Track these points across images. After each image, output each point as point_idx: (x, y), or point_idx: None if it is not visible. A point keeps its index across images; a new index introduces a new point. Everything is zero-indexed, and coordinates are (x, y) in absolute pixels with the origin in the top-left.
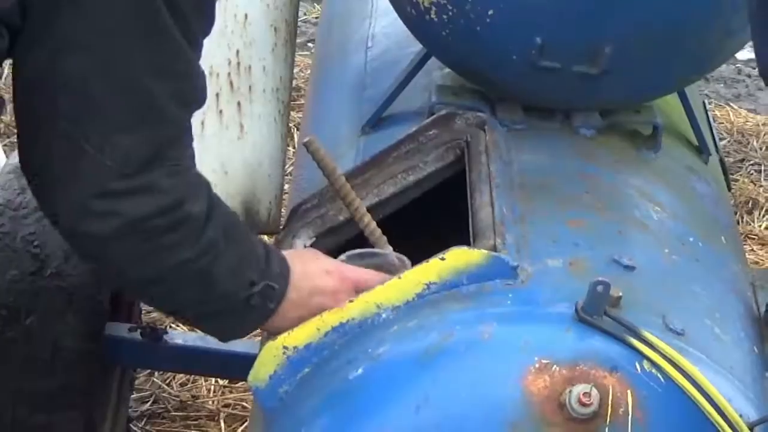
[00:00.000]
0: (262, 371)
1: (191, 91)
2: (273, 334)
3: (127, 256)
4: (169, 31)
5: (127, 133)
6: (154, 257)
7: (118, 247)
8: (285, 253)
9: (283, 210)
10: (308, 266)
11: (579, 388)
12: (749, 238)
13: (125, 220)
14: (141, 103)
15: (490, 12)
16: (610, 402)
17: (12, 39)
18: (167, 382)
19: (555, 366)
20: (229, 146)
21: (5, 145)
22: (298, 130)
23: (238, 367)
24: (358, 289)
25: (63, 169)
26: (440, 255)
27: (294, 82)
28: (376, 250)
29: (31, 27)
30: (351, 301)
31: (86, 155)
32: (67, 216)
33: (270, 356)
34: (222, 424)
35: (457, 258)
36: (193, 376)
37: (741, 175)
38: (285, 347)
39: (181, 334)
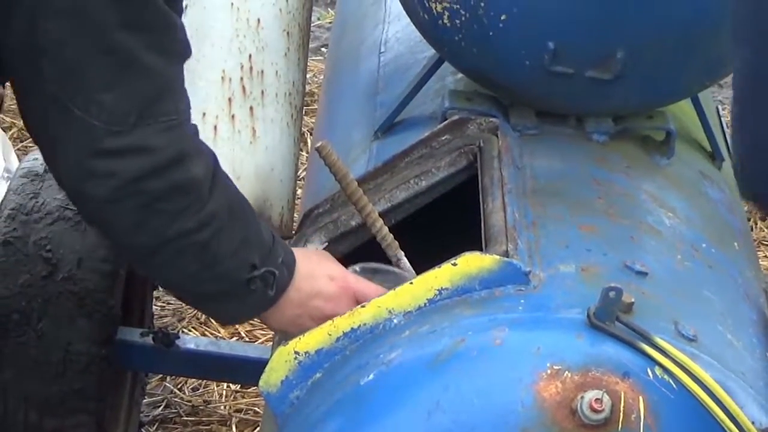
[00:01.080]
0: (273, 376)
1: (170, 43)
2: (272, 329)
3: (126, 221)
4: None
5: (108, 91)
6: (152, 223)
7: (116, 210)
8: (294, 249)
9: (295, 215)
10: (313, 268)
11: (591, 394)
12: (762, 244)
13: (121, 181)
14: (117, 59)
15: (503, 17)
16: (621, 408)
17: None
18: (179, 386)
19: (567, 372)
20: (242, 151)
21: (18, 150)
22: (311, 135)
23: (249, 372)
24: (359, 301)
25: (58, 132)
26: (452, 260)
27: (307, 87)
28: (391, 267)
29: None
30: (363, 306)
31: (75, 117)
32: (67, 178)
33: (281, 361)
34: (234, 429)
35: (469, 263)
36: (205, 381)
37: None
38: (296, 352)
39: (193, 339)
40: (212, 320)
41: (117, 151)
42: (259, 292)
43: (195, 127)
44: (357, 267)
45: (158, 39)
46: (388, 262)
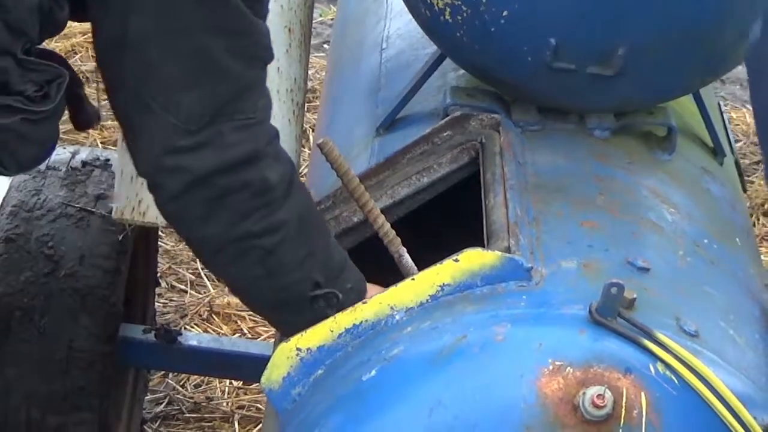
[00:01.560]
0: (275, 373)
1: (251, 46)
2: None
3: (195, 213)
4: None
5: (188, 91)
6: (220, 217)
7: (186, 202)
8: (369, 285)
9: None
10: None
11: (593, 390)
12: (765, 240)
13: (193, 176)
14: (198, 61)
15: (505, 13)
16: (623, 404)
17: (73, 8)
18: (181, 383)
19: (569, 368)
20: None
21: None
22: (313, 131)
23: (252, 368)
24: None
25: (138, 126)
26: (454, 256)
27: (309, 84)
28: None
29: None
30: (364, 303)
31: (154, 114)
32: (144, 170)
33: (283, 358)
34: (236, 426)
35: (471, 259)
36: (207, 377)
37: (757, 177)
38: (298, 349)
39: (195, 336)
40: (214, 317)
41: (190, 148)
42: (319, 312)
43: (275, 129)
44: None
45: (240, 43)
46: (390, 258)
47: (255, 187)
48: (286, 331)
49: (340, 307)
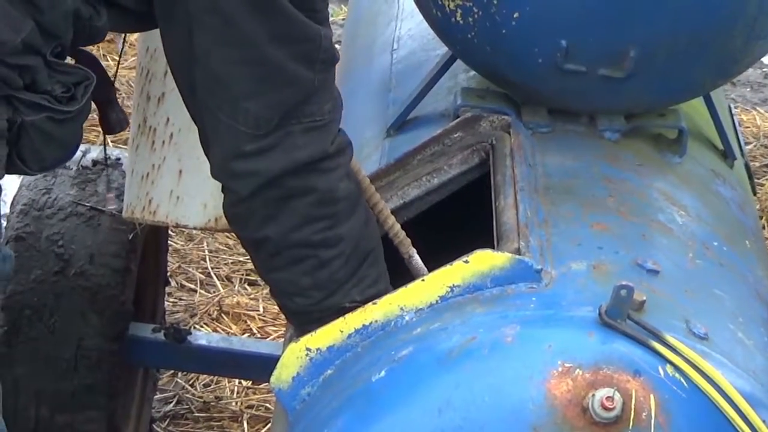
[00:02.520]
0: (285, 373)
1: (315, 51)
2: None
3: (259, 214)
4: (279, 4)
5: (254, 99)
6: (282, 220)
7: (253, 204)
8: None
9: None
10: None
11: (602, 392)
12: None
13: (262, 179)
14: (263, 71)
15: (516, 15)
16: (633, 406)
17: (114, 18)
18: (191, 382)
19: (578, 370)
20: None
21: None
22: None
23: (261, 368)
24: None
25: (209, 133)
26: (464, 258)
27: None
28: None
29: (163, 5)
30: (374, 303)
31: (222, 122)
32: (215, 174)
33: (293, 358)
34: (245, 426)
35: (481, 261)
36: (216, 377)
37: (767, 179)
38: (308, 349)
39: (204, 335)
40: (224, 316)
41: (259, 151)
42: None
43: (347, 139)
44: None
45: (303, 49)
46: (400, 259)
47: (320, 194)
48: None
49: None
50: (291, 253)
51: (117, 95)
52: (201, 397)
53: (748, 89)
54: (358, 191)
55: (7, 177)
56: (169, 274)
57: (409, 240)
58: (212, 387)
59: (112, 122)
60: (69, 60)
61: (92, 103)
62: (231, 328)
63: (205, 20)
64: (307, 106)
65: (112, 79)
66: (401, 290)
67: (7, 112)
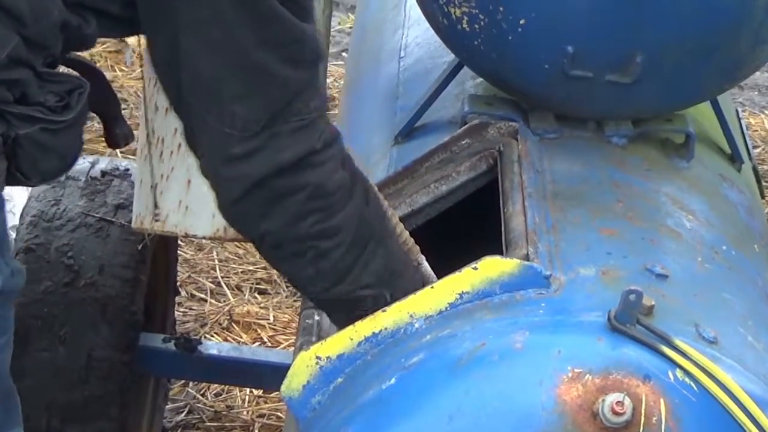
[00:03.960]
0: (295, 381)
1: (301, 52)
2: None
3: (254, 213)
4: (268, 5)
5: (242, 102)
6: (277, 216)
7: (246, 205)
8: None
9: None
10: None
11: (612, 397)
12: None
13: (250, 182)
14: (250, 75)
15: (522, 21)
16: (643, 411)
17: (102, 25)
18: (202, 392)
19: (588, 375)
20: None
21: None
22: None
23: (272, 377)
24: None
25: (196, 137)
26: (473, 264)
27: (327, 92)
28: None
29: (148, 11)
30: (384, 311)
31: (209, 125)
32: (205, 175)
33: (303, 366)
34: None
35: (490, 267)
36: (227, 386)
37: None
38: (318, 357)
39: (215, 345)
40: (234, 325)
41: (246, 154)
42: (367, 310)
43: (335, 132)
44: None
45: (290, 51)
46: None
47: (311, 189)
48: (338, 326)
49: None
50: (291, 246)
51: (125, 105)
52: (212, 407)
53: (756, 93)
54: (353, 179)
55: (15, 189)
56: (179, 283)
57: (417, 247)
58: (223, 396)
59: (117, 137)
60: (68, 69)
61: (96, 117)
62: (241, 338)
63: (193, 27)
64: (294, 105)
65: (118, 90)
66: (410, 297)
67: (1, 126)
